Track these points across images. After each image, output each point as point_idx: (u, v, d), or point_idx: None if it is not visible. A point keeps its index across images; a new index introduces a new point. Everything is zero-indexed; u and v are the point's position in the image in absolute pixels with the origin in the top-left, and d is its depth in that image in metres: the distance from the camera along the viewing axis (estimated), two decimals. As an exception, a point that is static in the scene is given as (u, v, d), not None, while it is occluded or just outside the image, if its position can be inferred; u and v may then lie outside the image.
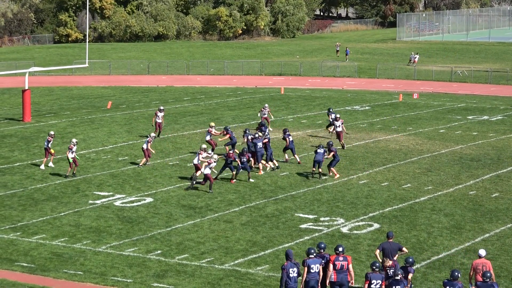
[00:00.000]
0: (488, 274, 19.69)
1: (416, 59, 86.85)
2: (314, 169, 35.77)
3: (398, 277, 20.09)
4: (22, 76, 61.63)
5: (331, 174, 36.04)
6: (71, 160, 36.07)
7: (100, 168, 37.80)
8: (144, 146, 38.35)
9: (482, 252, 21.28)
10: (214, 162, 33.83)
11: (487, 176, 36.65)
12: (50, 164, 38.16)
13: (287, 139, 38.27)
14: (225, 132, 39.87)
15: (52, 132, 39.06)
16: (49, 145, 37.95)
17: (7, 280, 23.63)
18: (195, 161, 34.64)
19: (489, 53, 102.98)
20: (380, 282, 20.15)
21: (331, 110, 46.31)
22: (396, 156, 40.68)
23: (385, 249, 22.18)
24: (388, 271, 21.27)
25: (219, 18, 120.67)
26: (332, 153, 35.71)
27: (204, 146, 35.39)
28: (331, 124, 44.33)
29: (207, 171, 33.32)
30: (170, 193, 33.35)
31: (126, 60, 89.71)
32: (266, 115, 46.94)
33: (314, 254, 20.93)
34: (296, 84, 71.83)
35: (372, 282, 20.12)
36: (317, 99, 61.73)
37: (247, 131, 39.24)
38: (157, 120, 45.10)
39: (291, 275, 20.60)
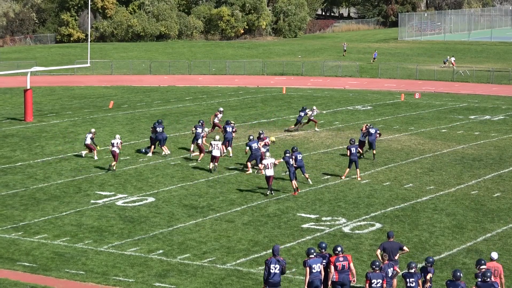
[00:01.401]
0: (488, 274, 19.67)
1: (453, 61, 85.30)
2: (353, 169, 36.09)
3: (413, 270, 20.11)
4: (24, 75, 61.65)
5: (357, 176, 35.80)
6: (117, 151, 37.07)
7: (102, 168, 37.80)
8: (199, 141, 38.89)
9: (495, 255, 21.12)
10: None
11: (489, 176, 36.64)
12: (95, 157, 39.64)
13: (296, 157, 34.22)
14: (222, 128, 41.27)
15: (93, 130, 40.19)
16: (93, 141, 39.60)
17: (9, 279, 23.64)
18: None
19: (491, 52, 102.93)
20: (381, 281, 20.15)
21: (304, 108, 47.35)
22: (398, 155, 40.67)
23: (386, 248, 22.17)
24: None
25: (221, 18, 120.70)
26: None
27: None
28: (298, 122, 46.78)
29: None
30: (172, 193, 33.36)
31: (128, 60, 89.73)
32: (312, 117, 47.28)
33: (315, 254, 20.93)
34: (298, 84, 71.83)
35: (373, 281, 20.12)
36: (319, 99, 61.73)
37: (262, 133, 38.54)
38: (215, 120, 44.24)
39: (272, 271, 20.66)
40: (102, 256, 25.64)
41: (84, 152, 40.07)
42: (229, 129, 40.44)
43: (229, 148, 40.33)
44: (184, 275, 24.03)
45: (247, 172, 36.82)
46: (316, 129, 47.30)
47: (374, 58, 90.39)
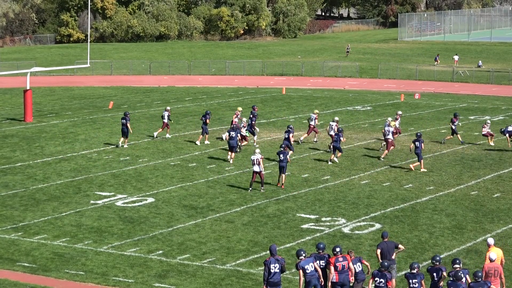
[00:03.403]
0: (480, 274, 19.77)
1: (457, 59, 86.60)
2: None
3: (415, 271, 20.14)
4: (23, 76, 61.65)
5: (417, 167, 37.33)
6: (247, 134, 41.61)
7: (102, 168, 37.82)
8: (243, 131, 41.56)
9: (493, 255, 21.20)
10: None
11: (488, 176, 36.64)
12: (168, 135, 44.59)
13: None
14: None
15: (168, 108, 44.97)
16: (168, 118, 44.07)
17: (9, 280, 23.64)
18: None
19: (490, 53, 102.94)
20: (384, 281, 20.18)
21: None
22: (398, 156, 40.66)
23: (383, 249, 22.20)
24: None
25: (220, 18, 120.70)
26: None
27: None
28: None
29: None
30: (171, 193, 33.36)
31: (128, 60, 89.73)
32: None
33: (304, 255, 20.95)
34: (298, 84, 71.84)
35: (376, 279, 20.20)
36: (319, 99, 61.73)
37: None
38: (235, 120, 43.83)
39: (272, 270, 20.74)
40: (101, 257, 25.64)
41: (155, 133, 44.60)
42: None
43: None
44: (184, 276, 24.03)
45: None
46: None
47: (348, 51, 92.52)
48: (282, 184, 34.25)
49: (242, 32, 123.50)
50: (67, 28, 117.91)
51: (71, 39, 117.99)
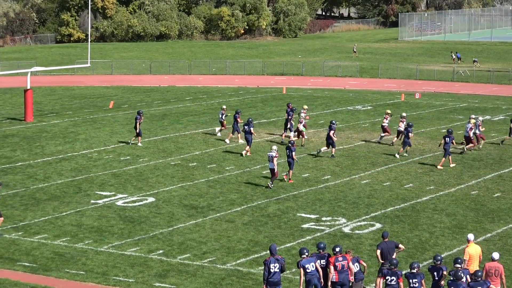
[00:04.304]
0: (479, 274, 19.78)
1: (454, 58, 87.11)
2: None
3: (415, 270, 20.15)
4: (24, 76, 61.66)
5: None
6: (304, 130, 42.30)
7: (102, 168, 37.83)
8: (300, 126, 42.50)
9: (496, 255, 21.18)
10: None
11: (489, 176, 36.64)
12: (219, 134, 45.25)
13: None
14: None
15: (224, 106, 45.63)
16: (223, 118, 44.77)
17: (9, 279, 23.64)
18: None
19: (491, 53, 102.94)
20: (395, 278, 20.24)
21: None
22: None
23: (383, 249, 22.20)
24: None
25: (221, 18, 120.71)
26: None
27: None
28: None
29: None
30: (172, 193, 33.37)
31: (128, 59, 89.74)
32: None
33: (307, 254, 20.96)
34: (298, 84, 71.84)
35: (387, 278, 20.29)
36: (319, 99, 61.73)
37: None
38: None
39: (272, 270, 20.76)
40: (102, 256, 25.65)
41: (217, 129, 45.37)
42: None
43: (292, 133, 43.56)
44: (184, 275, 24.03)
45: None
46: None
47: (459, 59, 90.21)
48: (289, 178, 35.16)
49: (242, 31, 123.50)
50: (68, 28, 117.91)
51: (72, 38, 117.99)
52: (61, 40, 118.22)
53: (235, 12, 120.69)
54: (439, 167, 37.81)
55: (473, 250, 21.78)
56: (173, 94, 65.21)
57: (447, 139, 37.88)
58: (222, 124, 45.21)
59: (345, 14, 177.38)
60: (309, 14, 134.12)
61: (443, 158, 38.08)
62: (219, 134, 45.39)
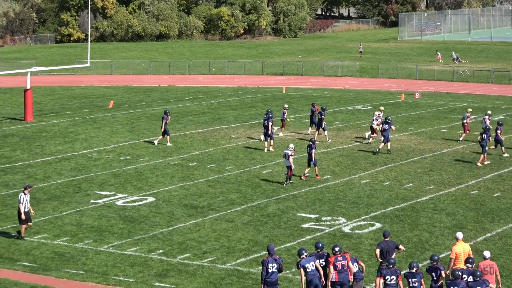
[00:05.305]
0: (479, 273, 19.81)
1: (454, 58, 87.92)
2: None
3: (414, 270, 20.15)
4: (24, 75, 61.66)
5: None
6: (378, 128, 42.36)
7: (102, 168, 37.83)
8: (374, 124, 43.26)
9: (487, 253, 21.25)
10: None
11: (489, 175, 36.64)
12: (281, 134, 45.44)
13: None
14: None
15: (286, 106, 46.10)
16: (285, 116, 45.21)
17: (9, 279, 23.65)
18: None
19: (491, 52, 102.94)
20: (395, 277, 20.24)
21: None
22: (398, 155, 40.67)
23: (383, 248, 22.21)
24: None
25: (221, 18, 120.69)
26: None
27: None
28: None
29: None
30: (172, 193, 33.37)
31: (128, 59, 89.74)
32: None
33: (305, 254, 20.96)
34: (298, 84, 71.84)
35: (387, 278, 20.27)
36: (319, 99, 61.70)
37: None
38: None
39: (269, 270, 20.77)
40: (102, 256, 25.65)
41: (276, 128, 44.58)
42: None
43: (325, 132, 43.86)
44: (184, 275, 24.04)
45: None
46: (280, 133, 45.98)
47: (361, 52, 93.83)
48: (316, 174, 35.85)
49: (242, 31, 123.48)
50: (68, 28, 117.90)
51: (72, 38, 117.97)
52: (61, 40, 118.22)
53: (235, 12, 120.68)
54: (486, 162, 38.69)
55: (460, 249, 21.88)
56: (173, 94, 65.21)
57: (484, 135, 38.50)
58: (282, 124, 45.61)
59: (345, 14, 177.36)
60: (309, 14, 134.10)
61: (484, 154, 38.64)
62: (281, 134, 45.44)
